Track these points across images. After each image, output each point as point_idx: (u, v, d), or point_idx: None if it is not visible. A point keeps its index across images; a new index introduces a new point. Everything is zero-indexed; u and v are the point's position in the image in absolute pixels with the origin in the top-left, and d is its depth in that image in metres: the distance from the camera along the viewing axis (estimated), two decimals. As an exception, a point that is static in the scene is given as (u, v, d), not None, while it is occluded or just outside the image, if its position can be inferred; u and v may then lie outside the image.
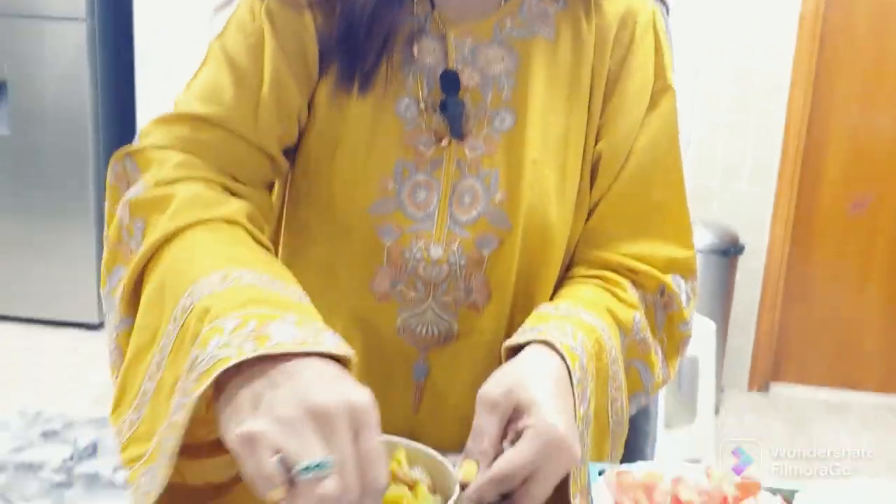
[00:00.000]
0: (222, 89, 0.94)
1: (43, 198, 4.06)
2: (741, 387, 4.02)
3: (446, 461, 0.80)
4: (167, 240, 0.81)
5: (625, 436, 0.98)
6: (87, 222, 4.06)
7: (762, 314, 3.94)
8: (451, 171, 0.99)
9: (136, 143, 0.91)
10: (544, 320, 0.92)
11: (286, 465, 0.60)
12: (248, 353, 0.64)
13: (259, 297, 0.71)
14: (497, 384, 0.81)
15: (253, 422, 0.61)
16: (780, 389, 4.03)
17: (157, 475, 0.67)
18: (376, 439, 0.63)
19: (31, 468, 0.95)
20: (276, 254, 1.07)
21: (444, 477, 0.79)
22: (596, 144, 1.03)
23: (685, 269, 1.07)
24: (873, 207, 3.83)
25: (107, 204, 0.90)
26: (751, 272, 3.87)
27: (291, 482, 0.59)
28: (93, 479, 0.93)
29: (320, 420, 0.61)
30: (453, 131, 0.99)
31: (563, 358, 0.86)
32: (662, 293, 1.04)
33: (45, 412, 1.09)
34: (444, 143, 0.99)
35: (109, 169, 0.91)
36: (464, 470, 0.77)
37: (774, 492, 0.80)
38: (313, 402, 0.61)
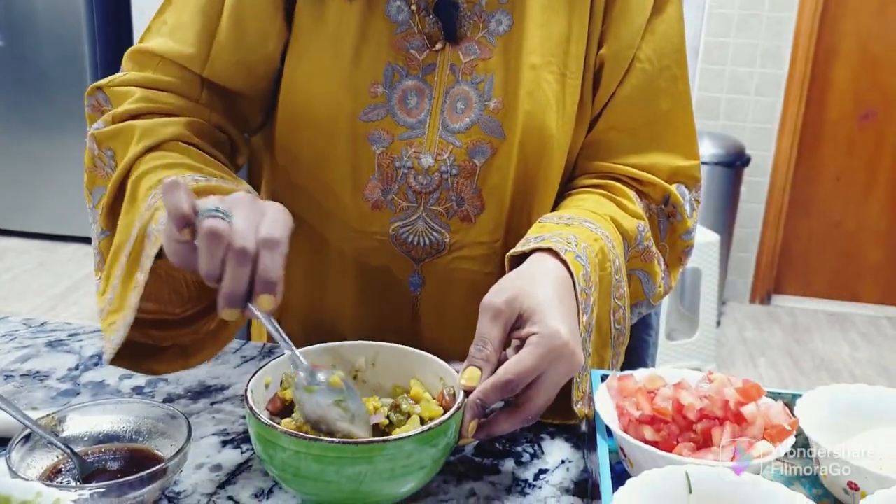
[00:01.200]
0: (184, 25, 0.98)
1: (43, 110, 4.02)
2: (743, 299, 4.04)
3: (450, 368, 0.81)
4: (134, 162, 0.91)
5: (626, 344, 0.99)
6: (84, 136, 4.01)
7: (766, 226, 3.93)
8: (445, 77, 0.97)
9: (107, 78, 0.99)
10: (548, 229, 0.91)
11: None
12: None
13: (199, 188, 0.84)
14: (500, 292, 0.81)
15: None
16: (781, 301, 4.05)
17: (124, 327, 0.81)
18: (278, 226, 0.74)
19: (38, 377, 0.95)
20: (265, 165, 1.07)
21: (448, 383, 0.80)
22: (599, 51, 1.00)
23: (689, 178, 1.06)
24: (881, 119, 3.78)
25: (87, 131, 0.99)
26: (756, 184, 3.86)
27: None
28: (99, 387, 0.94)
29: (231, 201, 0.74)
30: (447, 35, 0.97)
31: (567, 267, 0.85)
32: (667, 202, 1.03)
33: (50, 322, 1.09)
34: (438, 46, 0.97)
35: (85, 101, 1.00)
36: (466, 376, 0.77)
37: (776, 397, 0.81)
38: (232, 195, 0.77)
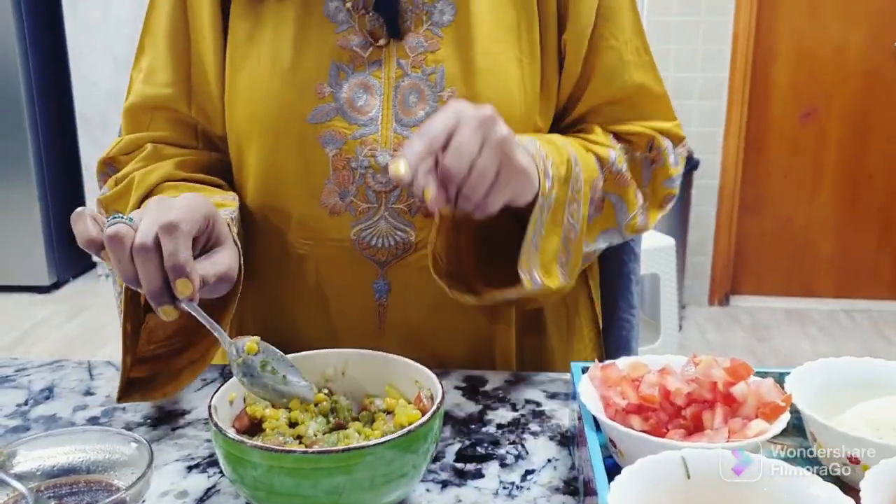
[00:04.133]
0: (158, 67, 0.99)
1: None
2: (702, 302, 4.05)
3: (426, 370, 0.77)
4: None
5: (578, 255, 0.97)
6: (30, 187, 3.91)
7: (719, 229, 3.96)
8: (392, 72, 0.95)
9: (111, 147, 1.01)
10: None
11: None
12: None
13: None
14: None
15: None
16: (740, 301, 4.07)
17: (121, 371, 0.83)
18: (176, 212, 0.74)
19: (-17, 415, 0.89)
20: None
21: (424, 386, 0.76)
22: (561, 36, 0.99)
23: (672, 136, 1.07)
24: (822, 115, 3.84)
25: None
26: (706, 187, 3.88)
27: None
28: (51, 421, 0.88)
29: (145, 207, 0.77)
30: (390, 31, 0.95)
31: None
32: (650, 148, 1.04)
33: (-6, 359, 1.03)
34: (382, 42, 0.95)
35: (97, 177, 1.01)
36: (400, 166, 0.75)
37: (763, 375, 0.78)
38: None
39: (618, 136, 1.04)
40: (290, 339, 1.01)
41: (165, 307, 0.73)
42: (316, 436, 0.73)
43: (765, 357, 3.43)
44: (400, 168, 0.75)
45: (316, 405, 0.77)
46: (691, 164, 3.60)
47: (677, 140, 1.08)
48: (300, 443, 0.72)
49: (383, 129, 0.94)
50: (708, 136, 3.84)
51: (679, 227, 3.64)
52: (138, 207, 0.90)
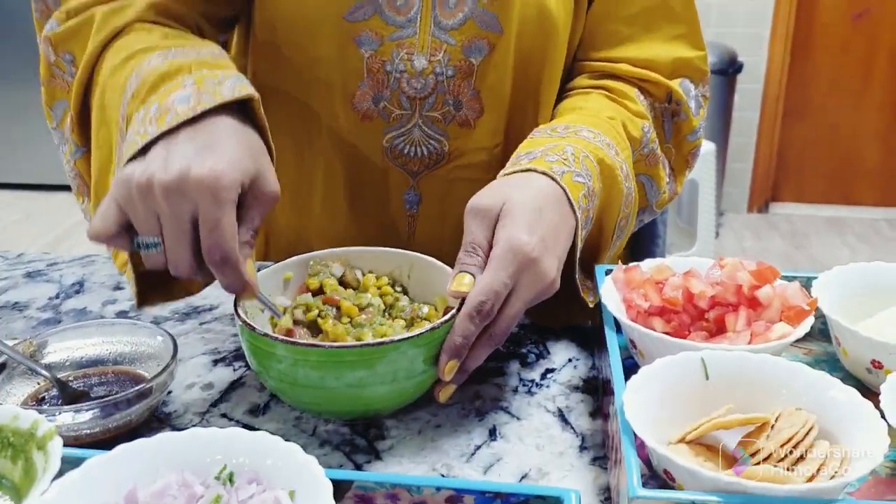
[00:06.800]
0: None
1: (12, 61, 3.91)
2: (740, 209, 4.00)
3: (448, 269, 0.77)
4: (95, 61, 0.81)
5: (621, 248, 0.94)
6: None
7: (761, 134, 3.87)
8: None
9: None
10: (540, 143, 0.83)
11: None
12: (150, 135, 0.67)
13: (167, 72, 0.73)
14: (486, 195, 0.75)
15: (118, 183, 0.65)
16: (779, 209, 4.01)
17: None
18: (224, 215, 0.64)
19: (17, 307, 0.91)
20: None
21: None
22: None
23: (695, 71, 0.99)
24: (873, 17, 3.69)
25: (38, 39, 0.90)
26: (749, 92, 3.78)
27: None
28: (81, 314, 0.90)
29: (167, 194, 0.64)
30: None
31: (562, 188, 0.77)
32: (670, 100, 0.97)
33: (27, 253, 1.04)
34: None
35: (33, 4, 0.89)
36: (459, 281, 0.70)
37: (790, 279, 0.77)
38: (171, 176, 0.64)
39: (641, 89, 0.96)
40: (318, 245, 1.01)
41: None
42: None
43: (802, 265, 3.39)
44: (465, 283, 0.70)
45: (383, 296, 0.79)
46: (734, 67, 3.49)
47: (699, 76, 0.99)
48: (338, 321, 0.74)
49: (421, 32, 0.91)
50: (753, 37, 3.72)
51: (720, 132, 3.57)
52: (102, 51, 0.81)
